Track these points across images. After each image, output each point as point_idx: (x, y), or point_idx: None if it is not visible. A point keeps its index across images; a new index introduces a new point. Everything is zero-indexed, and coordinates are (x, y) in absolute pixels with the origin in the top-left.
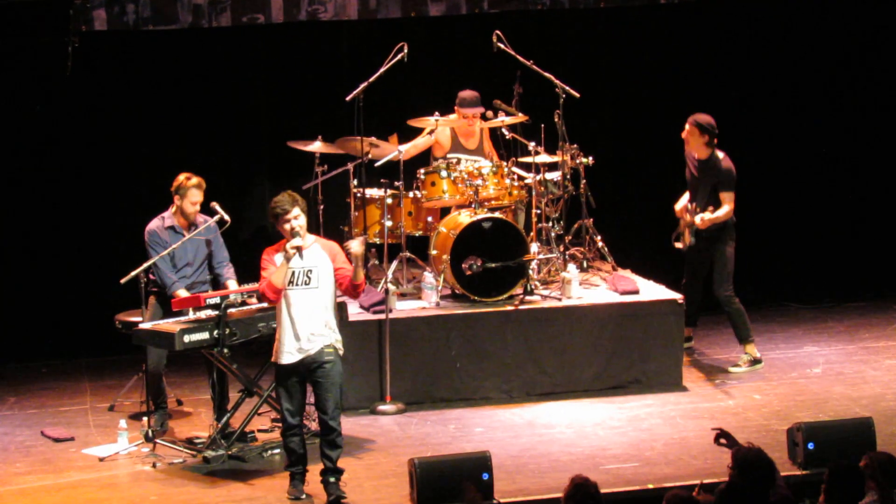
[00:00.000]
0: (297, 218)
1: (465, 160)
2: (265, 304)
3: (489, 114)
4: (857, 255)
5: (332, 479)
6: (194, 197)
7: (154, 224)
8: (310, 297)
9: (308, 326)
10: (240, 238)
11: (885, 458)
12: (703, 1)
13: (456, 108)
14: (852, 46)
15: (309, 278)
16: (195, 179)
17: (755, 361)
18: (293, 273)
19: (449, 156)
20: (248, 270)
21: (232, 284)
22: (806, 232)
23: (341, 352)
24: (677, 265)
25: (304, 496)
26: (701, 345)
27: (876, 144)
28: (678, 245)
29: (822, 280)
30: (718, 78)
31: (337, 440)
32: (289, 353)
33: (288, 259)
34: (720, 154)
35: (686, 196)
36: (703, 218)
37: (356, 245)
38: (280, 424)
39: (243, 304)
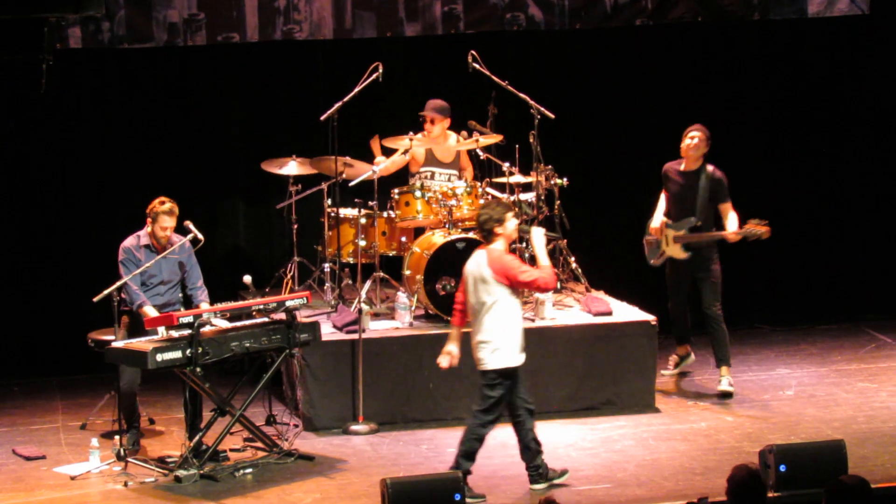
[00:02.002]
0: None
1: (439, 174)
2: (239, 324)
3: (464, 133)
4: (830, 278)
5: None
6: (165, 223)
7: (129, 241)
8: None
9: None
10: (213, 258)
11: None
12: (678, 23)
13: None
14: (822, 71)
15: None
16: (168, 205)
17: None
18: None
19: (423, 169)
20: (221, 289)
21: (205, 307)
22: (779, 254)
23: None
24: (651, 287)
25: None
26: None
27: (847, 168)
28: (656, 262)
29: (795, 303)
30: (693, 100)
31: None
32: (520, 353)
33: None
34: (709, 165)
35: (660, 212)
36: (738, 232)
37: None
38: (252, 444)
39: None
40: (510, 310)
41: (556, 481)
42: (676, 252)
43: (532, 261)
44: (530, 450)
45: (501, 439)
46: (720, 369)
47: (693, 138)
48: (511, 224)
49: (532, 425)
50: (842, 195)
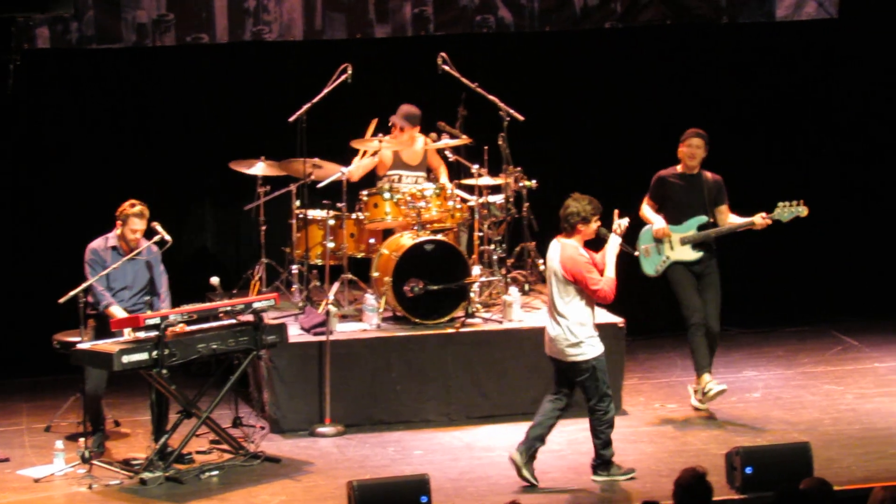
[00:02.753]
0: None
1: (406, 177)
2: (205, 326)
3: (433, 135)
4: (796, 281)
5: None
6: (135, 225)
7: (96, 243)
8: None
9: None
10: (180, 259)
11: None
12: (647, 26)
13: (392, 117)
14: (791, 74)
15: None
16: (138, 207)
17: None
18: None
19: (391, 172)
20: (188, 290)
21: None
22: (745, 257)
23: None
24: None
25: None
26: (641, 368)
27: (814, 171)
28: (659, 269)
29: (762, 305)
30: (662, 102)
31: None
32: (600, 343)
33: (617, 254)
34: (704, 170)
35: (659, 218)
36: (767, 215)
37: None
38: (218, 446)
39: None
40: (586, 301)
41: (622, 478)
42: (686, 254)
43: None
44: (541, 430)
45: (467, 441)
46: (700, 377)
47: (698, 147)
48: (595, 225)
49: (557, 418)
50: (808, 198)
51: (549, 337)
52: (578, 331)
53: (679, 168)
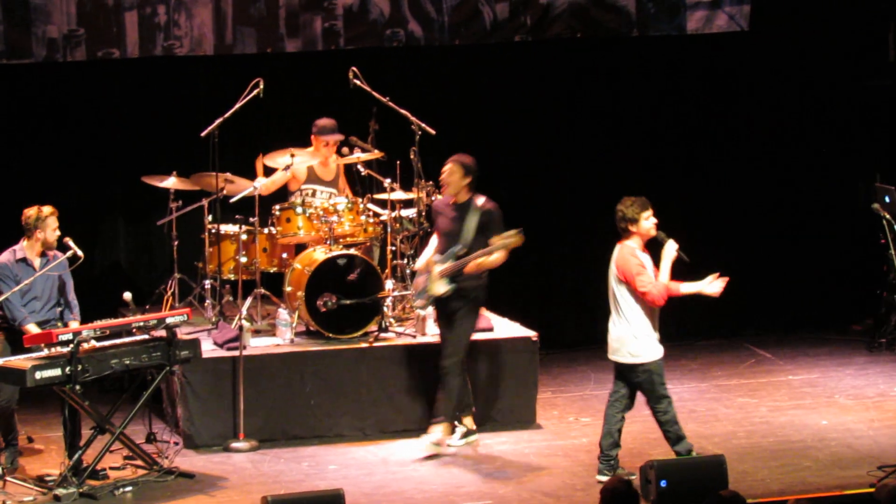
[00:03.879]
0: (652, 215)
1: (321, 192)
2: (118, 341)
3: (345, 150)
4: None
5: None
6: (55, 224)
7: (4, 257)
8: None
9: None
10: (92, 274)
11: None
12: (557, 39)
13: (313, 137)
14: (701, 87)
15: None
16: (48, 208)
17: (470, 433)
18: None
19: (304, 187)
20: (99, 305)
21: (74, 325)
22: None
23: None
24: (532, 303)
25: None
26: (555, 382)
27: (724, 183)
28: (421, 304)
29: (676, 318)
30: (573, 115)
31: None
32: (660, 347)
33: (674, 256)
34: (481, 197)
35: (427, 251)
36: (479, 262)
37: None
38: (132, 462)
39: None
40: (642, 304)
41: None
42: (440, 287)
43: None
44: (612, 439)
45: (382, 456)
46: (462, 418)
47: (450, 173)
48: (646, 223)
49: (622, 420)
50: (719, 210)
51: (609, 338)
52: (637, 333)
53: (451, 196)
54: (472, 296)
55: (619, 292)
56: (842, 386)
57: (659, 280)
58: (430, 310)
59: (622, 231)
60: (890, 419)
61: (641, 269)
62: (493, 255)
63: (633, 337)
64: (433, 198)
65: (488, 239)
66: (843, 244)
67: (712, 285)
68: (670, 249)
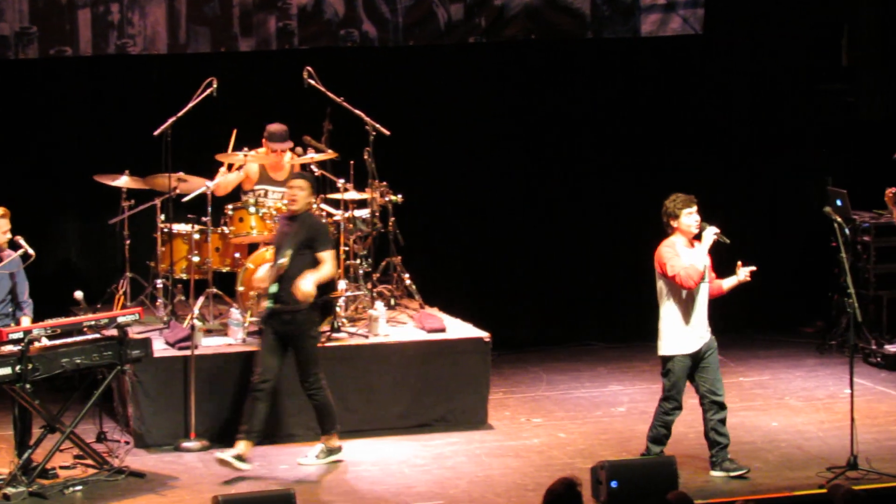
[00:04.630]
0: (696, 212)
1: (273, 192)
2: (69, 340)
3: (298, 150)
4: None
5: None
6: (6, 226)
7: None
8: (706, 290)
9: (706, 317)
10: (44, 273)
11: None
12: (512, 41)
13: (264, 141)
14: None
15: (705, 273)
16: (0, 209)
17: (332, 451)
18: (704, 266)
19: (257, 187)
20: (50, 303)
21: (26, 322)
22: (611, 271)
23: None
24: (485, 304)
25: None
26: (507, 383)
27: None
28: (256, 319)
29: (628, 319)
30: (526, 116)
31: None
32: (692, 342)
33: (711, 245)
34: (312, 211)
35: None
36: (304, 289)
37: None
38: (82, 461)
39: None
40: (676, 298)
41: (733, 474)
42: (265, 304)
43: None
44: (709, 439)
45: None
46: (326, 439)
47: (299, 188)
48: (686, 220)
49: (717, 417)
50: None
51: None
52: (666, 326)
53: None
54: (302, 318)
55: (657, 287)
56: (792, 388)
57: (691, 263)
58: (383, 309)
59: (665, 227)
60: (839, 421)
61: (673, 255)
62: (325, 270)
63: (663, 331)
64: (388, 199)
65: (315, 252)
66: (794, 247)
67: (742, 271)
68: (709, 233)
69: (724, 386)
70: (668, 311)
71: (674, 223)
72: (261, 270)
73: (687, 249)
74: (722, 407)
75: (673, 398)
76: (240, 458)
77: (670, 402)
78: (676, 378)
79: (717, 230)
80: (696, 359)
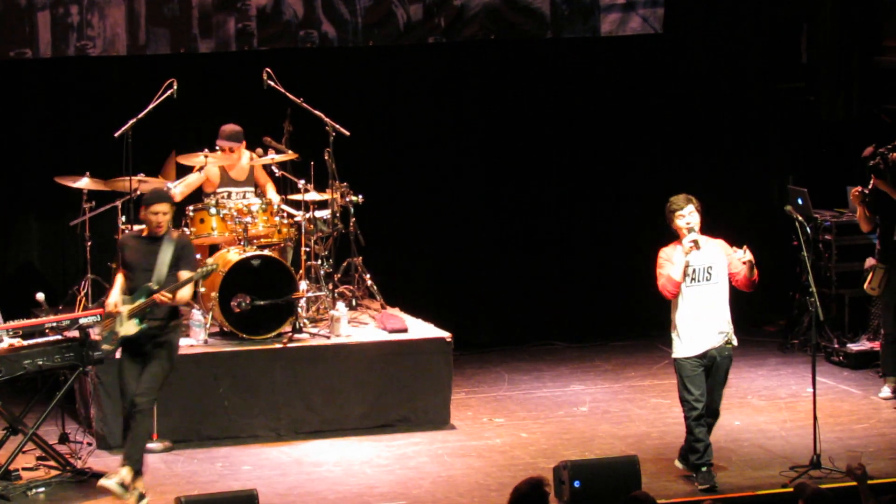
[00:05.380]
0: (690, 214)
1: (236, 194)
2: (31, 342)
3: (259, 151)
4: (623, 295)
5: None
6: None
7: None
8: (712, 292)
9: (713, 320)
10: (5, 274)
11: None
12: (471, 41)
13: (217, 140)
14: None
15: (710, 274)
16: None
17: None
18: (693, 270)
19: (219, 190)
20: (13, 306)
21: None
22: (571, 271)
23: (735, 345)
24: (446, 304)
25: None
26: (469, 383)
27: (634, 184)
28: (109, 348)
29: (589, 319)
30: (485, 117)
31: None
32: (696, 345)
33: (686, 253)
34: (174, 231)
35: (116, 290)
36: (166, 296)
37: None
38: (45, 462)
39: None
40: (678, 303)
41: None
42: (130, 328)
43: None
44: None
45: (296, 456)
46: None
47: (158, 212)
48: (678, 222)
49: (701, 424)
50: (631, 211)
51: None
52: (673, 330)
53: (144, 231)
54: (164, 338)
55: None
56: (754, 387)
57: (668, 273)
58: (344, 310)
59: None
60: (802, 419)
61: (663, 262)
62: (186, 289)
63: (672, 332)
64: (348, 199)
65: (178, 272)
66: (755, 246)
67: (746, 255)
68: (686, 240)
69: None
70: (674, 315)
71: (673, 227)
72: (111, 298)
73: (681, 255)
74: (712, 414)
75: (684, 401)
76: (124, 485)
77: (683, 406)
78: (683, 382)
79: (695, 239)
80: (707, 362)
